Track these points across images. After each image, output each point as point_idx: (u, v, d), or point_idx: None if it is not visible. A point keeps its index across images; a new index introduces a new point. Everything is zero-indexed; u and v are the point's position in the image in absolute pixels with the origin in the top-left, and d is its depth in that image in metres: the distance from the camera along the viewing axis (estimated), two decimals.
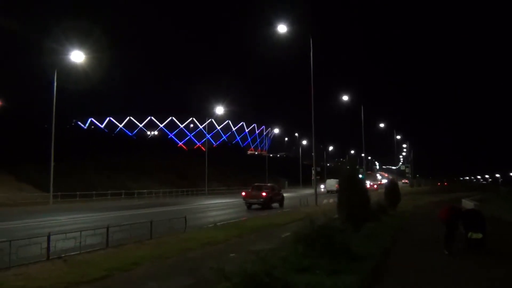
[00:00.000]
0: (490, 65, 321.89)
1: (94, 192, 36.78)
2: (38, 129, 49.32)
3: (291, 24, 28.58)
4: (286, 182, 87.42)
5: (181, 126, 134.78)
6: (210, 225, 16.10)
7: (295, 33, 29.88)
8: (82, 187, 39.65)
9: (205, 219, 20.13)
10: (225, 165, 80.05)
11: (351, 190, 12.01)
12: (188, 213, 25.92)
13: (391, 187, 23.30)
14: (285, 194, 55.44)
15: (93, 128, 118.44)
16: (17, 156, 41.66)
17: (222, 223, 17.65)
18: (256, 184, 32.02)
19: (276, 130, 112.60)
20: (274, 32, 27.82)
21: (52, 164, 32.90)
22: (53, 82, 32.75)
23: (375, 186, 77.25)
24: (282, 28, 27.75)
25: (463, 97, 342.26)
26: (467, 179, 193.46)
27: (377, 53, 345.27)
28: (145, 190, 44.85)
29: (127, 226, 12.47)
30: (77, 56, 32.21)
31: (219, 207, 31.72)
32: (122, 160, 55.65)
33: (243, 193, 29.57)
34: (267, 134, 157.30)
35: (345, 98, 44.57)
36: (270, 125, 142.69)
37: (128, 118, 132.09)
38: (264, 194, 28.02)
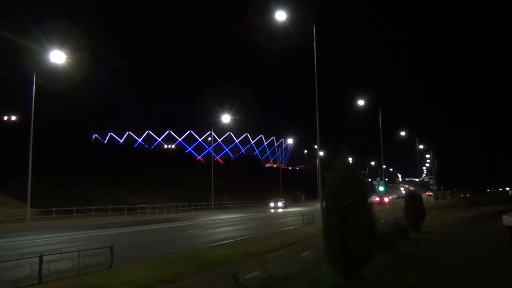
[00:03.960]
0: None
1: (74, 208, 33.17)
2: (43, 142, 46.60)
3: (299, 21, 24.66)
4: (303, 195, 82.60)
5: (200, 139, 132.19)
6: (165, 255, 12.02)
7: (304, 31, 25.86)
8: (79, 202, 36.46)
9: (173, 244, 16.03)
10: (240, 178, 76.35)
11: (343, 206, 7.23)
12: (169, 232, 22.11)
13: (412, 201, 18.17)
14: (297, 209, 51.56)
15: (112, 143, 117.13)
16: (9, 170, 38.89)
17: (188, 249, 13.53)
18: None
19: (290, 141, 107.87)
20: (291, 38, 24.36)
21: (30, 177, 29.62)
22: (32, 85, 29.76)
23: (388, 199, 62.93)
24: (280, 15, 23.62)
25: (484, 108, 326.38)
26: (494, 191, 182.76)
27: (398, 57, 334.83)
28: (138, 206, 40.95)
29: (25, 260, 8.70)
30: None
31: (214, 224, 27.64)
32: (126, 174, 52.55)
33: (377, 199, 55.24)
34: (286, 147, 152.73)
35: (361, 102, 39.38)
36: (289, 137, 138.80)
37: (146, 132, 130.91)
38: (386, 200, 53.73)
